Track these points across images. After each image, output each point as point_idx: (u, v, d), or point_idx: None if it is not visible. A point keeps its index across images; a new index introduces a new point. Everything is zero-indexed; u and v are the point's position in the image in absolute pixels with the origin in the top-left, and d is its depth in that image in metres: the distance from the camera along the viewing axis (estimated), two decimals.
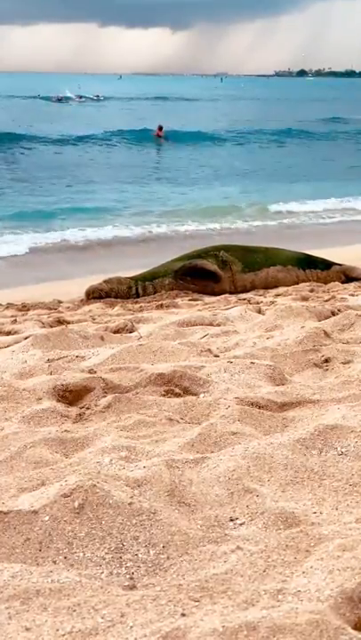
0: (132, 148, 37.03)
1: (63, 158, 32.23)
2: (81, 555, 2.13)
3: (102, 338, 5.18)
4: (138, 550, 2.14)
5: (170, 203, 21.45)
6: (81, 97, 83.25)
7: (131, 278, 9.94)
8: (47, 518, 2.22)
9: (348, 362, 4.22)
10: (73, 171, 27.72)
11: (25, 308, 8.86)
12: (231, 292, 9.62)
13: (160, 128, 40.05)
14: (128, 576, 2.06)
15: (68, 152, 34.91)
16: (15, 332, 6.11)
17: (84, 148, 36.58)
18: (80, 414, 3.56)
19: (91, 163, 31.01)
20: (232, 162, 31.77)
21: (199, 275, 9.86)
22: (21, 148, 34.34)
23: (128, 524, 2.22)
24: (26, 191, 23.11)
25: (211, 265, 9.81)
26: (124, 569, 2.09)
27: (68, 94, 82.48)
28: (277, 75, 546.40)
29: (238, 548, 2.11)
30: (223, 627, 1.67)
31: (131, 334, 5.56)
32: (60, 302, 9.47)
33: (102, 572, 2.07)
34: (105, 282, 9.83)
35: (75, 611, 1.82)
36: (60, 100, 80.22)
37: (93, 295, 9.67)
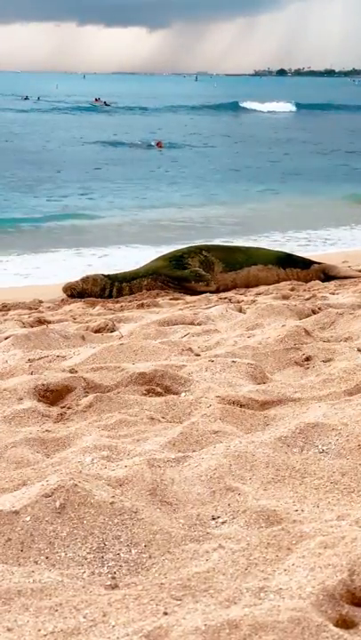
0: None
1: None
2: (63, 554, 2.12)
3: (83, 337, 5.17)
4: (120, 550, 2.14)
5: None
6: (97, 99, 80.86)
7: (109, 277, 9.90)
8: (28, 518, 2.21)
9: (329, 360, 4.24)
10: None
11: (5, 307, 8.81)
12: (212, 292, 9.62)
13: (158, 143, 39.53)
14: (110, 575, 2.06)
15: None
16: None
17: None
18: (61, 414, 3.56)
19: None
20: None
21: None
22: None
23: (110, 523, 2.22)
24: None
25: (203, 286, 9.76)
26: (105, 568, 2.09)
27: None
28: (257, 74, 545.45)
29: (220, 546, 2.11)
30: (205, 625, 1.68)
31: (112, 334, 5.55)
32: (40, 302, 9.43)
33: (84, 572, 2.06)
34: (82, 280, 9.81)
35: (57, 610, 1.82)
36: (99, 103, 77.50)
37: (67, 293, 9.68)
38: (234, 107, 76.95)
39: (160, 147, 38.85)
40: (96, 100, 79.48)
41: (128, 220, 18.73)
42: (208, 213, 19.62)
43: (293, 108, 79.23)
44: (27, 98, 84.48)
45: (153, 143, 39.43)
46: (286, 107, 79.61)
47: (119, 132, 45.05)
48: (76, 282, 9.80)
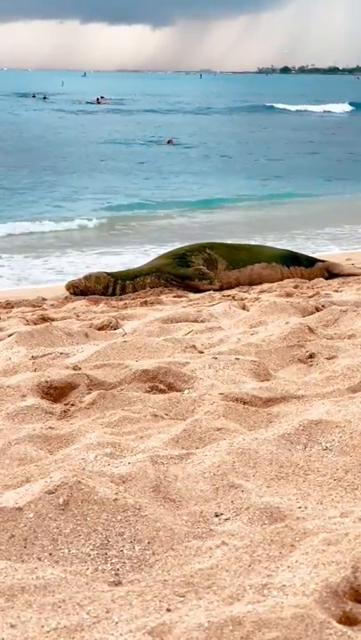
0: None
1: None
2: (66, 551, 2.13)
3: (87, 335, 5.17)
4: (123, 546, 2.14)
5: None
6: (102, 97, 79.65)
7: (112, 275, 9.90)
8: (32, 515, 2.21)
9: (333, 357, 4.23)
10: None
11: (9, 305, 8.82)
12: (215, 290, 9.63)
13: (169, 140, 38.90)
14: (113, 572, 2.06)
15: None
16: None
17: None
18: (65, 411, 3.56)
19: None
20: None
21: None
22: None
23: (113, 520, 2.22)
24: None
25: (207, 284, 9.76)
26: (109, 565, 2.09)
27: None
28: (261, 72, 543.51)
29: (223, 543, 2.11)
30: (209, 622, 1.68)
31: (115, 331, 5.55)
32: (44, 300, 9.44)
33: (87, 569, 2.06)
34: (85, 278, 9.81)
35: (60, 607, 1.82)
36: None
37: (70, 291, 9.69)
38: (271, 109, 72.42)
39: (170, 143, 38.42)
40: (101, 98, 79.00)
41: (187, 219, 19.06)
42: (256, 213, 19.82)
43: (348, 108, 75.15)
44: (34, 95, 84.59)
45: (165, 141, 38.91)
46: (340, 107, 75.49)
47: (162, 133, 43.70)
48: (79, 280, 9.81)
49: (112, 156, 33.39)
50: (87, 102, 75.38)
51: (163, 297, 8.95)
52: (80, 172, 27.47)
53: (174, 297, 8.97)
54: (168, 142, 38.68)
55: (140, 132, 44.10)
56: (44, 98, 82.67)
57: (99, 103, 75.05)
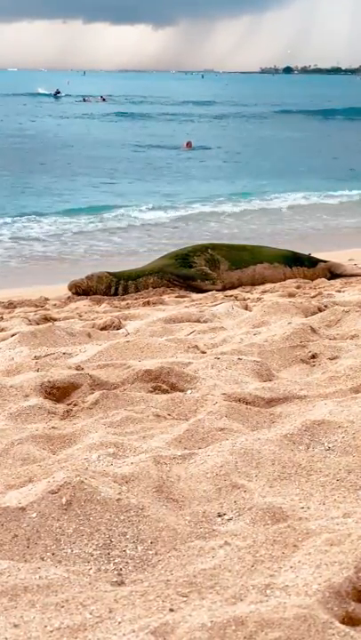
0: None
1: None
2: (69, 551, 2.13)
3: (89, 335, 5.17)
4: (126, 546, 2.15)
5: None
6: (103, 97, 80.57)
7: (114, 275, 9.90)
8: (35, 515, 2.22)
9: (335, 357, 4.23)
10: None
11: (11, 305, 8.83)
12: (218, 290, 9.63)
13: (188, 143, 37.19)
14: (116, 572, 2.06)
15: None
16: (1, 330, 6.09)
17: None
18: (67, 411, 3.56)
19: None
20: None
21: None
22: None
23: (116, 520, 2.22)
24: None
25: (209, 285, 9.77)
26: (112, 565, 2.09)
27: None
28: (263, 72, 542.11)
29: (226, 543, 2.11)
30: (211, 622, 1.68)
31: (118, 331, 5.55)
32: (46, 299, 9.45)
33: (90, 569, 2.07)
34: (87, 278, 9.82)
35: (63, 607, 1.82)
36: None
37: (71, 290, 9.69)
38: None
39: (189, 147, 37.27)
40: (102, 98, 79.53)
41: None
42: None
43: None
44: (57, 92, 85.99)
45: (183, 144, 37.67)
46: None
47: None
48: (82, 279, 9.82)
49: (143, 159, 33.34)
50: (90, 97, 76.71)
51: (165, 297, 8.95)
52: (118, 175, 27.65)
53: (177, 297, 8.97)
54: (187, 145, 36.95)
55: (175, 136, 43.46)
56: (55, 96, 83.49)
57: (84, 100, 76.35)
